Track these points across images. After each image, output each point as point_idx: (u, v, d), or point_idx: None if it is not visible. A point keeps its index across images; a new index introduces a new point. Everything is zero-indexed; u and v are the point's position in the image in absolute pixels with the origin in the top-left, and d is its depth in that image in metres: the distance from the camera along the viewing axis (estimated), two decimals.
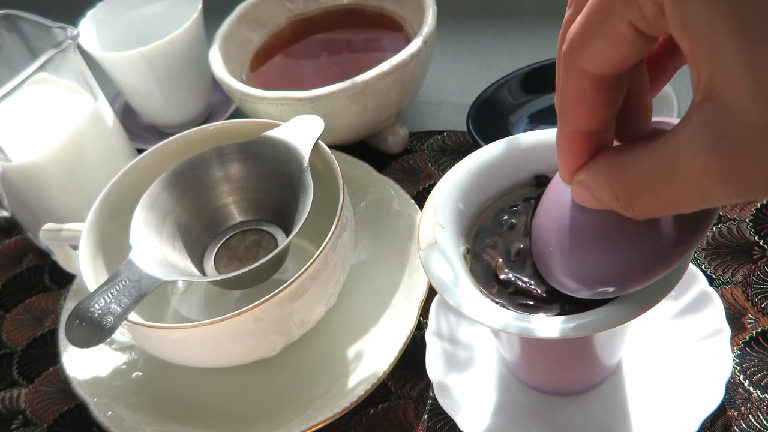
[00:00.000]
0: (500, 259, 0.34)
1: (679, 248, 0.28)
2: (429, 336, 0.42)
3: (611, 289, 0.29)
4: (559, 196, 0.32)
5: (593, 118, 0.25)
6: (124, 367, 0.48)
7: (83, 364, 0.47)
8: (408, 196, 0.51)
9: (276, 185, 0.45)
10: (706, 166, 0.21)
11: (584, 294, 0.30)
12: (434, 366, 0.41)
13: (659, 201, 0.24)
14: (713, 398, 0.37)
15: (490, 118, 0.55)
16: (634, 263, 0.29)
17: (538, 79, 0.56)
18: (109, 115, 0.55)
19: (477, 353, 0.42)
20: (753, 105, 0.20)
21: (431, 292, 0.46)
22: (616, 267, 0.29)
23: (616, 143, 0.27)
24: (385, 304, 0.46)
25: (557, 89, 0.26)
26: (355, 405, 0.42)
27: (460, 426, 0.39)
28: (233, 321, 0.38)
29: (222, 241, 0.47)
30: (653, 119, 0.28)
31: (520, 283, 0.32)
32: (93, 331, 0.37)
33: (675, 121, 0.30)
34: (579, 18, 0.24)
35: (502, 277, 0.33)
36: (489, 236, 0.35)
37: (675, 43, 0.23)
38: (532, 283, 0.32)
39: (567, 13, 0.26)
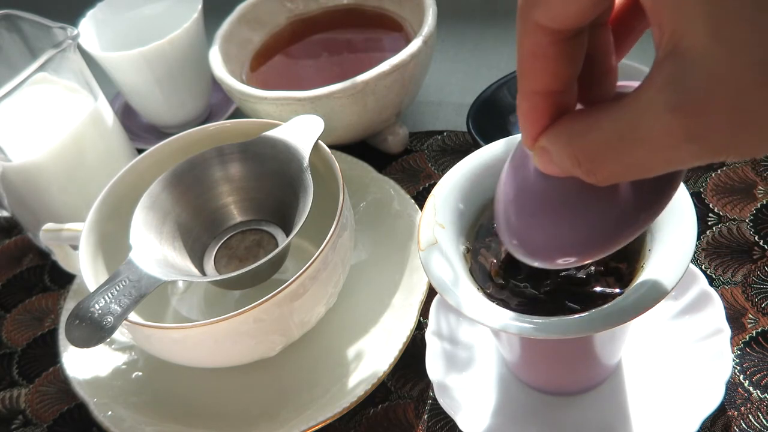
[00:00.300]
0: (494, 260, 0.34)
1: (642, 215, 0.27)
2: (429, 336, 0.42)
3: (572, 259, 0.28)
4: (520, 163, 0.30)
5: (553, 77, 0.24)
6: (124, 367, 0.48)
7: (83, 364, 0.47)
8: (408, 196, 0.51)
9: (276, 185, 0.45)
10: (670, 124, 0.21)
11: (546, 264, 0.29)
12: (434, 366, 0.41)
13: (622, 165, 0.23)
14: (713, 398, 0.37)
15: (490, 118, 0.55)
16: (596, 231, 0.28)
17: None
18: (109, 115, 0.55)
19: (477, 353, 0.42)
20: (716, 58, 0.19)
21: (431, 292, 0.46)
22: (578, 235, 0.28)
23: (580, 108, 0.26)
24: (385, 304, 0.46)
25: (517, 48, 0.25)
26: (355, 405, 0.42)
27: (460, 426, 0.39)
28: (233, 321, 0.38)
29: (222, 241, 0.47)
30: (619, 83, 0.27)
31: (513, 283, 0.33)
32: (93, 331, 0.37)
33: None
34: None
35: (495, 279, 0.33)
36: (488, 236, 0.35)
37: (638, 1, 0.22)
38: (528, 285, 0.32)
39: None
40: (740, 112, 0.19)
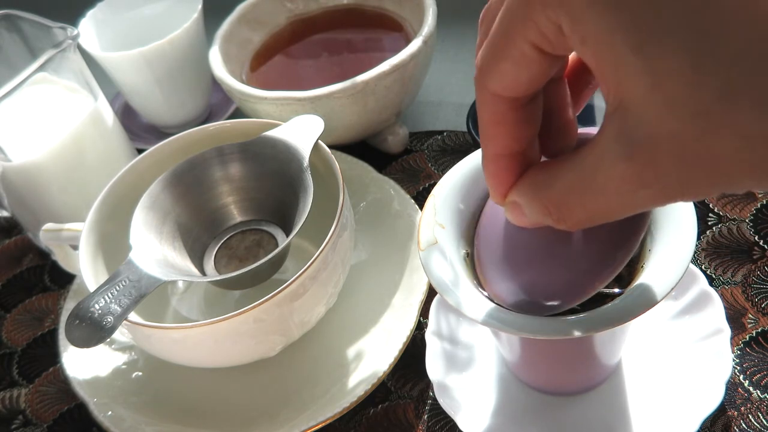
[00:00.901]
0: None
1: (619, 253, 0.29)
2: (429, 336, 0.42)
3: (556, 303, 0.30)
4: (495, 215, 0.32)
5: (514, 140, 0.26)
6: (124, 367, 0.48)
7: (83, 364, 0.47)
8: (408, 196, 0.51)
9: (276, 185, 0.45)
10: (624, 173, 0.22)
11: (530, 312, 0.30)
12: (434, 366, 0.41)
13: (587, 211, 0.24)
14: (713, 398, 0.37)
15: None
16: (576, 274, 0.29)
17: None
18: (109, 115, 0.55)
19: (477, 353, 0.42)
20: (657, 112, 0.20)
21: (431, 292, 0.46)
22: (559, 280, 0.29)
23: (544, 159, 0.27)
24: (385, 304, 0.46)
25: (478, 116, 0.26)
26: (355, 405, 0.42)
27: (460, 426, 0.39)
28: (233, 321, 0.38)
29: (222, 241, 0.47)
30: (580, 130, 0.29)
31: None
32: (93, 331, 0.37)
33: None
34: (485, 43, 0.24)
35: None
36: None
37: None
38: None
39: (478, 40, 0.26)
40: (684, 159, 0.20)
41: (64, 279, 0.56)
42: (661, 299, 0.29)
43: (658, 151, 0.21)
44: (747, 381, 0.39)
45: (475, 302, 0.31)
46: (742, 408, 0.39)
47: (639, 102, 0.21)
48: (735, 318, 0.42)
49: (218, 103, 0.67)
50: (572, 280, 0.29)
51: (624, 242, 0.29)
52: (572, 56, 0.28)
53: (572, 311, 0.31)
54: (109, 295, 0.38)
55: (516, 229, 0.30)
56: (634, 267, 0.33)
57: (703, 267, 0.45)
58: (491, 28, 0.24)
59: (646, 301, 0.29)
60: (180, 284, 0.52)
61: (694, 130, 0.20)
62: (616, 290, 0.32)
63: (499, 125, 0.25)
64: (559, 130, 0.28)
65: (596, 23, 0.21)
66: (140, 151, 0.52)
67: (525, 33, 0.22)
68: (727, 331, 0.39)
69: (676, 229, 0.31)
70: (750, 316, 0.42)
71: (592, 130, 0.30)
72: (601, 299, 0.32)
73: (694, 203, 0.32)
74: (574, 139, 0.28)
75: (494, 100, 0.25)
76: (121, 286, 0.39)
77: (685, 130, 0.20)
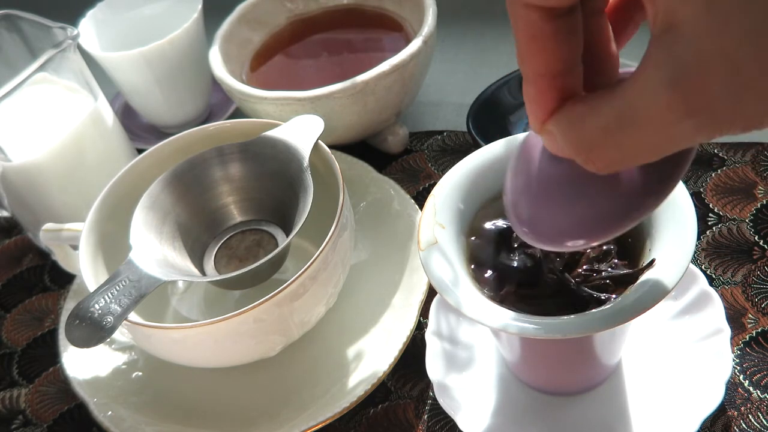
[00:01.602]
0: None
1: (649, 199, 0.27)
2: (429, 336, 0.42)
3: (581, 242, 0.28)
4: (528, 149, 0.30)
5: (553, 55, 0.24)
6: (124, 367, 0.48)
7: (83, 364, 0.47)
8: (408, 196, 0.51)
9: (276, 185, 0.45)
10: (669, 102, 0.20)
11: (555, 247, 0.29)
12: (434, 366, 0.41)
13: (622, 151, 0.23)
14: (713, 398, 0.37)
15: (490, 118, 0.55)
16: (602, 214, 0.27)
17: None
18: (109, 115, 0.55)
19: (477, 353, 0.42)
20: (710, 28, 0.19)
21: (431, 292, 0.46)
22: (585, 217, 0.28)
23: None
24: (385, 304, 0.46)
25: (514, 35, 0.24)
26: (355, 405, 0.42)
27: (460, 426, 0.39)
28: (233, 321, 0.38)
29: (222, 241, 0.47)
30: (622, 70, 0.27)
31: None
32: (93, 331, 0.37)
33: None
34: None
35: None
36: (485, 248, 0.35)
37: None
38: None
39: None
40: (738, 82, 0.19)
41: (64, 279, 0.56)
42: (661, 299, 0.29)
43: (708, 74, 0.19)
44: (747, 381, 0.39)
45: (475, 302, 0.31)
46: (742, 408, 0.39)
47: (690, 20, 0.19)
48: (735, 318, 0.42)
49: (218, 103, 0.67)
50: (597, 220, 0.27)
51: (656, 188, 0.27)
52: None
53: (572, 311, 0.31)
54: (109, 295, 0.38)
55: (547, 161, 0.28)
56: (634, 267, 0.33)
57: (703, 267, 0.45)
58: None
59: (646, 301, 0.29)
60: (180, 284, 0.52)
61: (749, 49, 0.19)
62: (613, 296, 0.32)
63: (537, 40, 0.24)
64: (601, 64, 0.26)
65: None
66: (140, 151, 0.52)
67: None
68: (727, 331, 0.39)
69: (676, 229, 0.31)
70: (750, 316, 0.42)
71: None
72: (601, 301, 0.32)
73: (694, 203, 0.32)
74: (617, 74, 0.27)
75: (528, 12, 0.23)
76: (121, 286, 0.39)
77: (740, 49, 0.19)
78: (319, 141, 0.45)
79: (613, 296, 0.32)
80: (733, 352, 0.41)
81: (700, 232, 0.46)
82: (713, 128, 0.21)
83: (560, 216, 0.28)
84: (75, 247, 0.46)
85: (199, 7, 0.60)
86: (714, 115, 0.20)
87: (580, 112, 0.24)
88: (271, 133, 0.45)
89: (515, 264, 0.34)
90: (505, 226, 0.35)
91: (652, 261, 0.31)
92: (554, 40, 0.24)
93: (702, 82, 0.20)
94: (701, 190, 0.49)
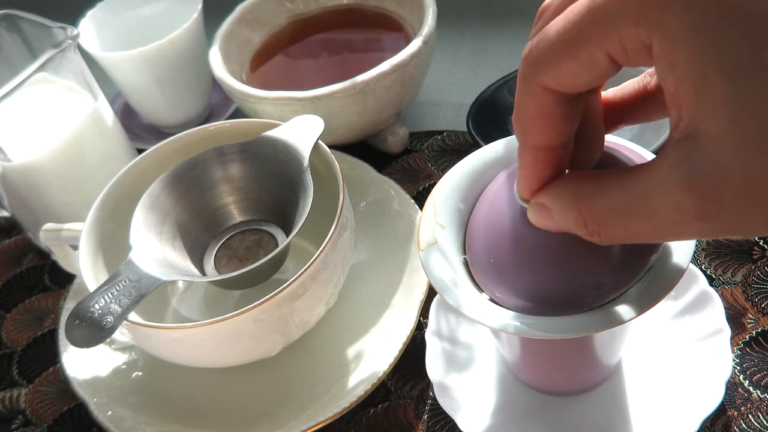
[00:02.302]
0: None
1: (634, 267, 0.29)
2: (429, 336, 0.42)
3: (558, 310, 0.29)
4: (500, 205, 0.32)
5: (556, 134, 0.26)
6: (124, 367, 0.48)
7: (83, 364, 0.47)
8: (408, 196, 0.51)
9: (276, 185, 0.45)
10: (681, 203, 0.22)
11: (526, 311, 0.30)
12: (434, 366, 0.41)
13: (628, 231, 0.24)
14: (713, 398, 0.37)
15: (490, 118, 0.55)
16: (585, 283, 0.29)
17: None
18: (109, 115, 0.55)
19: (477, 353, 0.42)
20: (732, 146, 0.20)
21: (431, 292, 0.46)
22: (567, 285, 0.29)
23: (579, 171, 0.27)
24: (385, 304, 0.46)
25: (516, 106, 0.26)
26: (355, 405, 0.42)
27: (460, 426, 0.39)
28: (233, 321, 0.38)
29: (222, 241, 0.47)
30: (607, 141, 0.29)
31: None
32: (93, 331, 0.37)
33: (626, 143, 0.31)
34: (549, 36, 0.24)
35: None
36: None
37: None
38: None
39: (532, 32, 0.26)
40: (750, 195, 0.21)
41: (64, 279, 0.56)
42: (661, 299, 0.29)
43: (723, 185, 0.21)
44: (747, 381, 0.39)
45: (475, 302, 0.31)
46: (742, 408, 0.39)
47: (714, 133, 0.21)
48: (735, 318, 0.42)
49: (218, 103, 0.67)
50: (580, 289, 0.29)
51: (642, 256, 0.29)
52: (642, 87, 0.28)
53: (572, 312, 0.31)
54: (109, 295, 0.38)
55: (525, 226, 0.29)
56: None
57: (703, 267, 0.45)
58: (550, 21, 0.24)
59: (646, 301, 0.29)
60: (180, 284, 0.52)
61: (765, 166, 0.20)
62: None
63: (544, 118, 0.25)
64: (587, 140, 0.28)
65: (692, 50, 0.20)
66: (140, 151, 0.52)
67: (604, 41, 0.22)
68: (727, 331, 0.39)
69: None
70: (750, 316, 0.42)
71: (617, 143, 0.30)
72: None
73: None
74: (600, 153, 0.29)
75: (543, 93, 0.24)
76: (121, 286, 0.39)
77: (757, 166, 0.20)
78: (319, 141, 0.45)
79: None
80: (733, 352, 0.41)
81: None
82: (719, 232, 0.22)
83: (532, 281, 0.30)
84: (75, 247, 0.46)
85: (199, 7, 0.60)
86: (722, 222, 0.21)
87: (587, 190, 0.25)
88: (271, 133, 0.45)
89: None
90: None
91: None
92: (561, 120, 0.25)
93: (716, 191, 0.21)
94: None
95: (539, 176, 0.27)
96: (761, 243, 0.45)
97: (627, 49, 0.22)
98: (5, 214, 0.55)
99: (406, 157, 0.58)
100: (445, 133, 0.59)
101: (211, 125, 0.50)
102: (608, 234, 0.24)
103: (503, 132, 0.54)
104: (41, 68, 0.48)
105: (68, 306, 0.50)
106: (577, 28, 0.23)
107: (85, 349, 0.37)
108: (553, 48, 0.23)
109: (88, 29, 0.62)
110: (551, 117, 0.25)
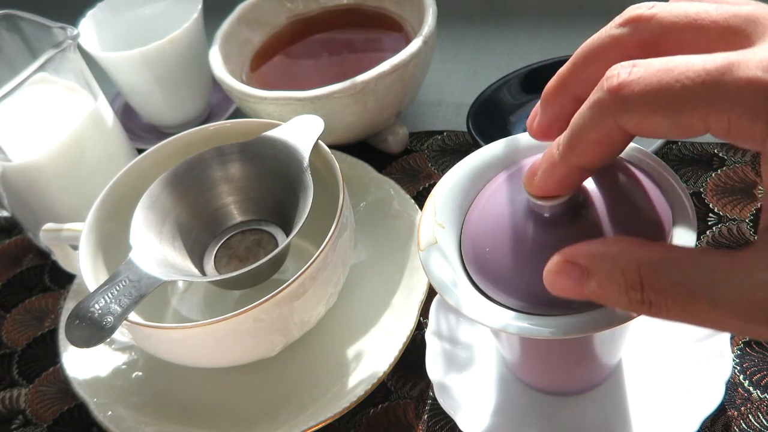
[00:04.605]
0: None
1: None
2: (429, 336, 0.42)
3: (557, 309, 0.29)
4: (500, 205, 0.32)
5: (603, 161, 0.26)
6: (124, 367, 0.48)
7: (83, 364, 0.47)
8: (408, 196, 0.51)
9: (276, 185, 0.45)
10: (762, 304, 0.20)
11: (525, 311, 0.30)
12: (434, 366, 0.41)
13: (685, 311, 0.22)
14: (713, 398, 0.37)
15: (490, 118, 0.55)
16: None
17: (538, 79, 0.56)
18: (109, 115, 0.55)
19: (477, 353, 0.42)
20: None
21: (431, 292, 0.46)
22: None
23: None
24: (385, 304, 0.46)
25: (576, 125, 0.25)
26: (355, 405, 0.42)
27: (460, 426, 0.39)
28: (233, 321, 0.38)
29: (222, 241, 0.47)
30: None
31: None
32: (93, 331, 0.37)
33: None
34: (649, 82, 0.22)
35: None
36: None
37: None
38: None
39: (611, 29, 0.26)
40: None
41: (64, 279, 0.56)
42: None
43: None
44: (747, 381, 0.39)
45: (475, 302, 0.31)
46: (742, 408, 0.39)
47: None
48: None
49: (218, 103, 0.67)
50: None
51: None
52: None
53: (572, 311, 0.31)
54: (109, 295, 0.38)
55: (524, 230, 0.29)
56: None
57: None
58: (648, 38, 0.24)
59: None
60: (180, 284, 0.52)
61: None
62: None
63: (603, 147, 0.25)
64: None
65: None
66: (140, 151, 0.52)
67: (709, 117, 0.21)
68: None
69: (676, 229, 0.31)
70: None
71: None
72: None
73: (694, 203, 0.32)
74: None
75: (616, 130, 0.24)
76: (121, 286, 0.39)
77: None
78: (319, 141, 0.45)
79: None
80: (733, 352, 0.41)
81: (700, 232, 0.46)
82: None
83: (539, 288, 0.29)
84: (75, 247, 0.46)
85: (199, 7, 0.60)
86: None
87: (657, 258, 0.23)
88: (271, 133, 0.45)
89: None
90: None
91: None
92: (617, 153, 0.26)
93: None
94: (701, 190, 0.49)
95: (562, 187, 0.27)
96: None
97: (731, 132, 0.21)
98: (5, 214, 0.55)
99: (406, 157, 0.58)
100: (445, 133, 0.59)
101: (211, 125, 0.50)
102: (661, 307, 0.23)
103: (503, 132, 0.54)
104: (41, 68, 0.48)
105: (68, 306, 0.50)
106: (687, 93, 0.21)
107: (85, 349, 0.37)
108: (650, 99, 0.22)
109: (88, 29, 0.62)
110: (611, 149, 0.25)
